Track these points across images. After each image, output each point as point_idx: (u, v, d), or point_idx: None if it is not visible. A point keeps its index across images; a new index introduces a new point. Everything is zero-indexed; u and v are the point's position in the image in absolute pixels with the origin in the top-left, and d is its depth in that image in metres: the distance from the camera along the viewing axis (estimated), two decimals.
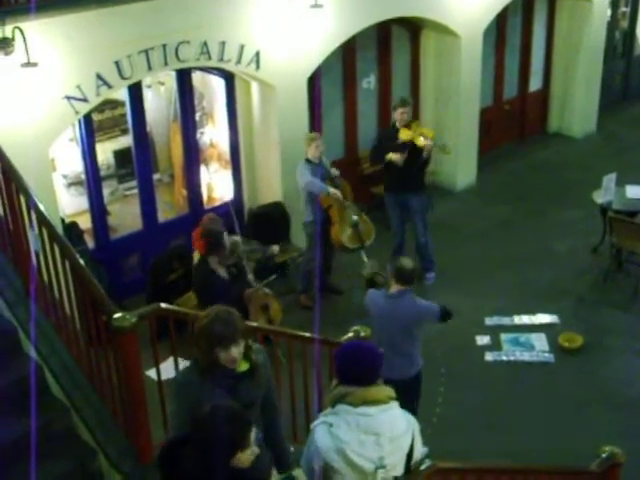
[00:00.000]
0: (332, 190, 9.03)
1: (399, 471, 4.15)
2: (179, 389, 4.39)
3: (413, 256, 9.54)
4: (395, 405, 4.16)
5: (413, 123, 9.63)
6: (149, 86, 10.56)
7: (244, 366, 4.35)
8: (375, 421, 4.04)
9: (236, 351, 4.21)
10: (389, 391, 4.18)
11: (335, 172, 9.33)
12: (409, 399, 6.59)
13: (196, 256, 7.44)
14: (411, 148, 9.39)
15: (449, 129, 12.04)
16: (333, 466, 4.03)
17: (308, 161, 9.10)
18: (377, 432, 4.03)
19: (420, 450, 4.29)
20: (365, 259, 9.55)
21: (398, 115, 9.54)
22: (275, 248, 8.31)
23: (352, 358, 4.16)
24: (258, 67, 9.31)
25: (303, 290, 9.56)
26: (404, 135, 9.44)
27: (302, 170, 9.04)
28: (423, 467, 4.31)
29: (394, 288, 6.64)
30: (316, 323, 7.82)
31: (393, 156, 9.43)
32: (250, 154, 10.35)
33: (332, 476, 4.07)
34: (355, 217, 9.35)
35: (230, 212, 8.01)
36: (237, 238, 7.70)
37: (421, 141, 9.38)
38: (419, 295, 6.90)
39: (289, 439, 6.15)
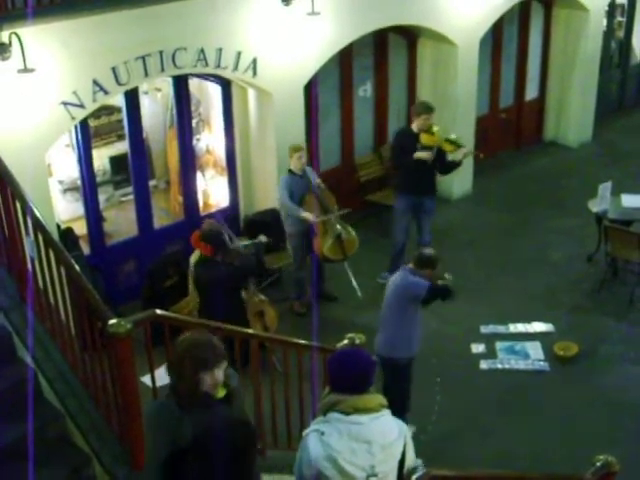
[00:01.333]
0: (303, 214, 8.97)
1: (391, 479, 4.14)
2: (155, 420, 4.25)
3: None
4: (387, 413, 4.16)
5: (433, 127, 9.53)
6: (146, 92, 10.56)
7: (221, 392, 4.28)
8: (366, 429, 4.03)
9: (219, 373, 4.14)
10: (380, 399, 4.18)
11: (317, 181, 9.25)
12: (388, 380, 7.09)
13: (194, 256, 7.53)
14: (437, 153, 9.40)
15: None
16: (325, 474, 4.03)
17: (291, 172, 9.09)
18: (368, 440, 4.03)
19: (412, 459, 4.29)
20: (353, 280, 9.53)
21: (421, 121, 9.42)
22: (262, 238, 8.33)
23: (344, 366, 4.16)
24: (255, 74, 9.32)
25: (296, 297, 9.56)
26: (428, 140, 9.37)
27: (281, 186, 9.07)
28: (416, 476, 4.30)
29: (409, 265, 7.10)
30: (313, 330, 7.83)
31: (422, 154, 9.33)
32: (246, 161, 10.36)
33: None
34: (338, 228, 9.29)
35: (221, 222, 8.07)
36: (238, 243, 7.82)
37: (450, 147, 9.47)
38: None
39: (284, 446, 6.17)
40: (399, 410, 6.35)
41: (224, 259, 7.42)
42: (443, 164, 9.66)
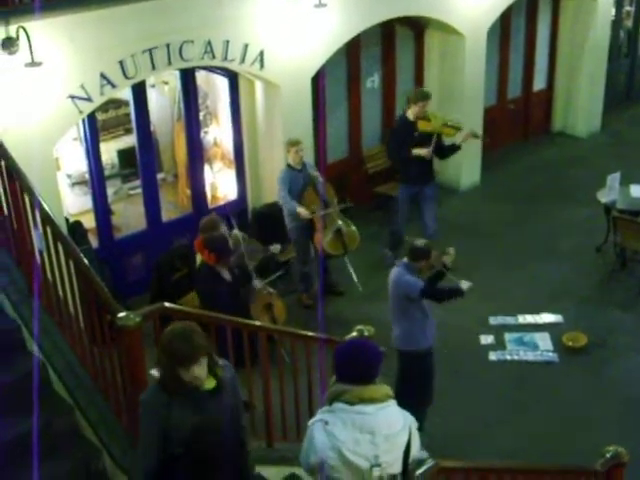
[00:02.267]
0: (299, 209, 8.91)
1: (396, 469, 4.15)
2: (146, 409, 4.25)
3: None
4: (392, 403, 4.17)
5: (430, 114, 9.58)
6: (153, 85, 10.57)
7: (211, 384, 4.24)
8: (371, 419, 4.04)
9: (198, 370, 4.10)
10: (386, 389, 4.19)
11: (316, 174, 9.18)
12: (400, 375, 7.11)
13: (199, 257, 7.45)
14: (437, 139, 9.43)
15: None
16: (329, 463, 4.05)
17: (289, 167, 9.09)
18: (372, 431, 4.04)
19: (418, 449, 4.28)
20: (353, 274, 9.52)
21: (418, 108, 9.44)
22: (277, 247, 8.25)
23: (350, 356, 4.17)
24: (262, 66, 9.32)
25: (303, 291, 9.57)
26: (425, 127, 9.39)
27: (280, 180, 9.04)
28: (422, 470, 4.31)
29: (404, 259, 7.05)
30: (320, 323, 7.82)
31: (421, 151, 9.36)
32: (254, 153, 10.36)
33: (329, 473, 4.09)
34: (339, 223, 9.28)
35: (229, 216, 8.06)
36: (237, 232, 7.76)
37: (450, 132, 9.49)
38: None
39: (293, 438, 6.18)
40: (418, 403, 6.39)
41: (224, 265, 7.22)
42: (442, 149, 9.68)
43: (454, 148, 9.73)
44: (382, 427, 4.06)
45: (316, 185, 9.12)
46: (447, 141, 9.79)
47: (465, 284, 7.03)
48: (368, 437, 4.04)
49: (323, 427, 4.08)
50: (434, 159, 9.76)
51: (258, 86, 9.96)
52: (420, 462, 4.29)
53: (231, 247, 7.18)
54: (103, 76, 8.01)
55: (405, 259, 7.00)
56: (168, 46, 8.39)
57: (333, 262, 9.72)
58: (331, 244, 9.23)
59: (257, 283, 7.88)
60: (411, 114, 9.52)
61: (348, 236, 9.37)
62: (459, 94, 11.85)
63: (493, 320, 9.21)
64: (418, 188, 9.77)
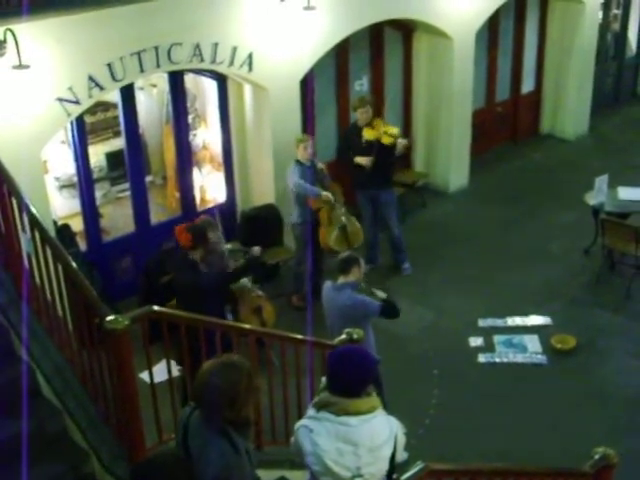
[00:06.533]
0: (324, 193, 9.07)
1: (379, 479, 4.14)
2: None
3: (388, 251, 10.20)
4: (378, 414, 4.15)
5: (375, 121, 9.72)
6: (141, 88, 10.54)
7: None
8: (355, 431, 4.04)
9: None
10: (374, 401, 4.17)
11: (321, 166, 9.34)
12: None
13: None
14: (378, 146, 9.53)
15: (441, 131, 12.06)
16: (313, 468, 4.06)
17: (298, 162, 9.12)
18: (356, 442, 4.04)
19: (402, 452, 4.28)
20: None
21: (358, 115, 9.71)
22: (256, 249, 8.23)
23: (342, 369, 4.14)
24: (251, 69, 9.31)
25: (295, 291, 9.56)
26: (368, 134, 9.58)
27: (292, 171, 9.09)
28: (410, 473, 4.30)
29: (340, 280, 6.88)
30: (309, 326, 7.81)
31: (362, 160, 9.61)
32: (243, 156, 10.35)
33: (314, 475, 4.11)
34: (343, 219, 9.38)
35: (215, 215, 8.08)
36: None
37: (388, 140, 9.55)
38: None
39: (282, 441, 6.16)
40: None
41: (203, 260, 7.17)
42: (388, 156, 9.66)
43: (396, 157, 9.88)
44: (365, 439, 4.05)
45: (322, 182, 9.23)
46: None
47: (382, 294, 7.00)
48: (351, 448, 4.04)
49: (307, 434, 4.09)
50: (389, 169, 9.89)
51: (247, 89, 9.96)
52: (406, 464, 4.29)
53: (209, 236, 7.18)
54: (91, 78, 7.99)
55: (342, 278, 6.84)
56: (157, 49, 8.38)
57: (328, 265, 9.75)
58: (336, 241, 9.34)
59: (246, 282, 7.95)
60: (359, 121, 9.73)
61: (352, 233, 9.50)
62: (447, 97, 11.87)
63: (482, 322, 9.23)
64: (373, 192, 9.88)
